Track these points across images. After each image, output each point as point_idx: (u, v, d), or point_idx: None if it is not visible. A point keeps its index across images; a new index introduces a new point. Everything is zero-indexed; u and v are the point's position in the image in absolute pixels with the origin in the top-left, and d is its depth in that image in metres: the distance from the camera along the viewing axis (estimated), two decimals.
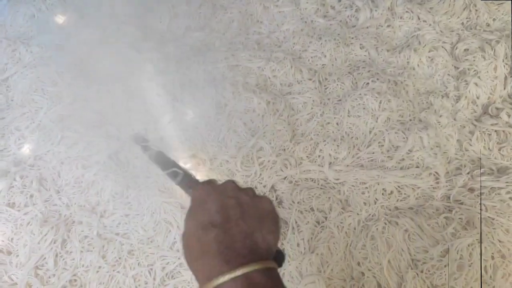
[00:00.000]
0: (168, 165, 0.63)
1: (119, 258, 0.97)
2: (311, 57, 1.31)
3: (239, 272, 0.40)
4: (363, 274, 0.93)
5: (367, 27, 1.35)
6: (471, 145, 1.11)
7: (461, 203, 1.00)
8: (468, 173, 1.06)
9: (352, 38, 1.33)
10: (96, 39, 1.24)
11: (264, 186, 1.06)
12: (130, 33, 1.32)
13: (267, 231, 0.46)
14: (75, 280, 0.96)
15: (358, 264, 0.94)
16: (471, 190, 1.03)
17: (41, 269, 0.97)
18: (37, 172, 1.10)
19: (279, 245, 0.48)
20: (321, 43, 1.31)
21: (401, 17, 1.35)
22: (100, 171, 1.07)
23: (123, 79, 1.13)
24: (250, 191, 0.50)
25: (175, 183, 0.61)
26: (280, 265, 0.47)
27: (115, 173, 1.06)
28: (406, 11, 1.35)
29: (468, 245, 0.92)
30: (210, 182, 0.52)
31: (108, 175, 1.06)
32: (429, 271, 0.91)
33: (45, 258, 0.97)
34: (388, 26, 1.36)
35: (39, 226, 1.00)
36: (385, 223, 0.97)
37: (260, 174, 1.07)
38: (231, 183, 0.51)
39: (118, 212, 1.03)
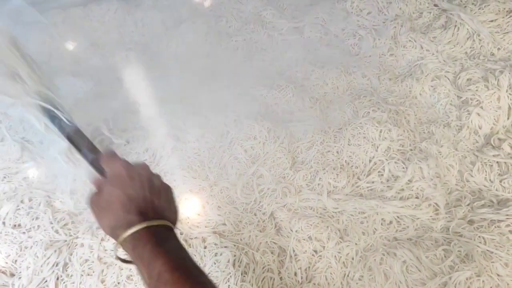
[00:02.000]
0: (83, 143, 0.69)
1: (118, 283, 0.98)
2: (313, 85, 1.32)
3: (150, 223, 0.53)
4: None
5: (370, 56, 1.37)
6: (472, 176, 1.11)
7: (460, 235, 1.00)
8: (468, 205, 1.05)
9: (355, 66, 1.35)
10: (104, 65, 1.28)
11: (264, 214, 1.06)
12: (137, 60, 1.36)
13: (165, 199, 0.59)
14: None
15: None
16: (471, 222, 1.02)
17: None
18: (45, 194, 1.12)
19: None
20: (324, 72, 1.33)
21: (404, 46, 1.36)
22: None
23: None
24: (147, 169, 0.61)
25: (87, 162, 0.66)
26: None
27: None
28: (409, 40, 1.36)
29: (466, 279, 0.91)
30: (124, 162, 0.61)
31: None
32: None
33: (46, 281, 0.98)
34: (391, 55, 1.37)
35: (44, 249, 1.01)
36: (383, 254, 0.96)
37: (260, 202, 1.08)
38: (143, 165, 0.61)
39: None
